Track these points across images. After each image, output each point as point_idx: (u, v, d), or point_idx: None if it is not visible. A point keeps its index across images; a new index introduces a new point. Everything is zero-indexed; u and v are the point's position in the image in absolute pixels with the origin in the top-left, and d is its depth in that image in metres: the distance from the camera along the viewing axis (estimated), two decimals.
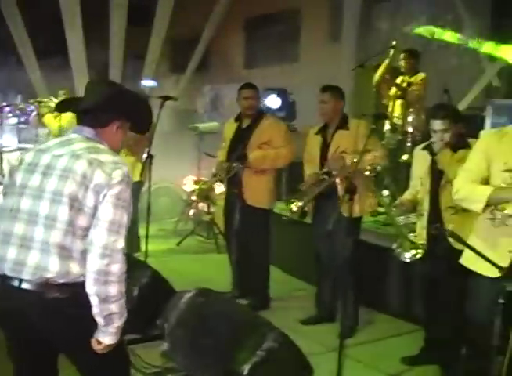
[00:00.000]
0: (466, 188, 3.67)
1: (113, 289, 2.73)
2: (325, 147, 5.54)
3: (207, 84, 15.00)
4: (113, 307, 2.75)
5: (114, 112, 2.98)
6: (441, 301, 4.58)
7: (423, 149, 4.76)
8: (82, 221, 2.75)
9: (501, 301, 2.78)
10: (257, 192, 5.98)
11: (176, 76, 15.16)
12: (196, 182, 6.06)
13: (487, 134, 3.80)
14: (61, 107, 3.53)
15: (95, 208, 2.74)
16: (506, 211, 3.52)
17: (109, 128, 2.97)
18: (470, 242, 3.68)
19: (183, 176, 10.29)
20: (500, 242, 3.52)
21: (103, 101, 2.93)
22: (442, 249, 4.34)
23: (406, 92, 7.25)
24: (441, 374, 4.67)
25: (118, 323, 2.79)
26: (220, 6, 13.61)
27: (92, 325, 2.79)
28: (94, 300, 2.73)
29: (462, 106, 9.11)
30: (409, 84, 7.30)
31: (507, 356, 2.97)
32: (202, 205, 9.32)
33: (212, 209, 8.94)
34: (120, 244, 2.74)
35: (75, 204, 2.74)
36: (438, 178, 4.56)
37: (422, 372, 4.85)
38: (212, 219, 8.92)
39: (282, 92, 9.91)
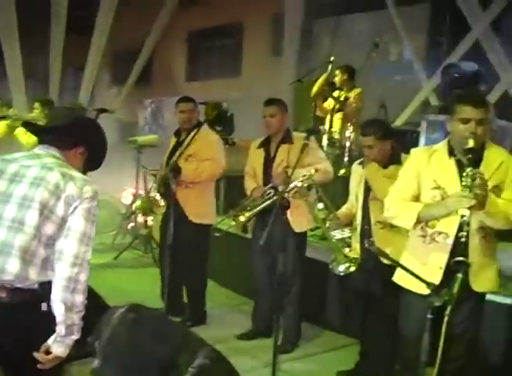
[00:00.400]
0: (397, 205, 3.70)
1: (79, 298, 2.82)
2: (268, 162, 5.50)
3: (149, 97, 14.90)
4: (76, 318, 2.83)
5: (78, 137, 3.07)
6: (375, 315, 4.60)
7: (359, 164, 4.81)
8: (49, 229, 2.81)
9: (429, 316, 2.79)
10: (199, 207, 5.92)
11: (117, 88, 15.04)
12: (135, 196, 5.96)
13: (417, 152, 3.84)
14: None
15: (63, 219, 2.83)
16: (436, 228, 3.56)
17: (73, 152, 3.05)
18: (403, 258, 3.74)
19: (122, 189, 10.16)
20: (431, 259, 3.55)
21: (70, 124, 3.04)
22: (375, 264, 4.35)
23: (345, 105, 7.32)
24: None
25: (76, 336, 2.87)
26: (162, 19, 13.59)
27: (38, 336, 2.81)
28: (60, 308, 2.78)
29: (400, 121, 9.28)
30: (346, 98, 7.37)
31: (435, 371, 3.00)
32: (140, 219, 9.22)
33: (150, 223, 8.84)
34: (89, 255, 2.86)
35: (45, 212, 2.80)
36: (369, 192, 4.61)
37: None
38: (150, 233, 8.82)
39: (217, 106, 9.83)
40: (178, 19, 13.74)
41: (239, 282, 7.01)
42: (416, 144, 6.09)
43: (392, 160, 4.56)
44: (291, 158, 5.20)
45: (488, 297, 4.47)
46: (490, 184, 3.42)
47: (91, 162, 3.21)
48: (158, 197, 6.45)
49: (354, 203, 4.82)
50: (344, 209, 4.89)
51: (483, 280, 3.61)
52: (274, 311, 5.51)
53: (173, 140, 6.16)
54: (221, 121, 9.64)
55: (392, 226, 4.25)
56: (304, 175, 4.81)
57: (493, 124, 5.67)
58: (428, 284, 2.83)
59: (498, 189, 3.50)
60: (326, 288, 6.09)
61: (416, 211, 3.52)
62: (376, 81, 9.82)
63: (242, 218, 5.18)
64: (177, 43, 15.79)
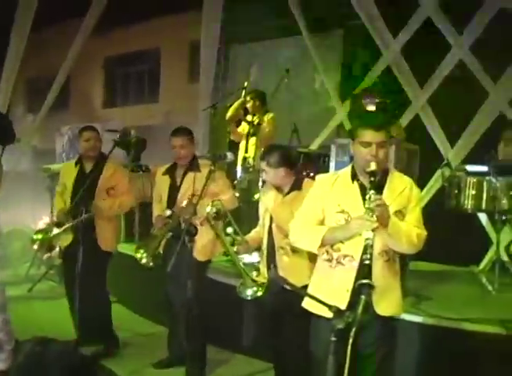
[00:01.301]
0: (302, 230, 3.76)
1: None
2: (174, 189, 5.50)
3: (67, 124, 14.67)
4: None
5: None
6: (285, 339, 4.60)
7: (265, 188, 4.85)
8: None
9: (333, 338, 2.81)
10: (107, 236, 5.88)
11: (32, 115, 14.75)
12: (36, 232, 5.63)
13: (321, 178, 3.92)
14: None
15: None
16: (341, 252, 3.62)
17: None
18: (311, 283, 3.81)
19: (38, 218, 9.95)
20: (338, 282, 3.61)
21: None
22: (282, 288, 4.36)
23: (258, 130, 7.38)
24: None
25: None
26: (77, 44, 13.40)
27: None
28: None
29: (315, 145, 9.41)
30: (259, 123, 7.45)
31: None
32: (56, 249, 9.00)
33: None
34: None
35: None
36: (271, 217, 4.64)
37: None
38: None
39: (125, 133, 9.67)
40: (95, 44, 13.60)
41: (155, 310, 6.92)
42: (328, 168, 6.19)
43: (294, 186, 4.61)
44: (197, 186, 5.19)
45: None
46: (393, 208, 3.52)
47: None
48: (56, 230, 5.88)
49: (260, 226, 4.86)
50: (253, 233, 4.91)
51: (387, 304, 3.68)
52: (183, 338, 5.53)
53: (73, 170, 5.99)
54: (128, 147, 9.47)
55: (294, 251, 4.32)
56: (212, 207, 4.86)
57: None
58: (330, 307, 2.85)
59: (401, 214, 3.60)
60: (239, 312, 6.07)
61: (321, 235, 3.58)
62: (291, 106, 9.95)
63: (143, 260, 5.14)
64: (93, 69, 15.67)
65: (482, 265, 7.42)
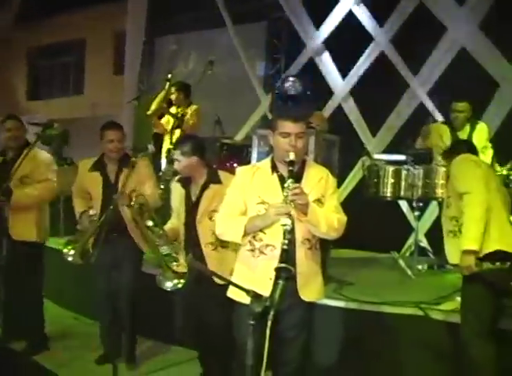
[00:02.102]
0: (225, 221, 3.84)
1: None
2: (108, 187, 5.32)
3: None
4: None
5: None
6: (211, 327, 4.68)
7: (178, 181, 4.88)
8: None
9: (251, 322, 2.90)
10: (24, 225, 5.63)
11: None
12: None
13: (241, 170, 3.99)
14: None
15: None
16: (264, 242, 3.71)
17: None
18: (235, 272, 3.88)
19: None
20: (261, 271, 3.69)
21: None
22: (202, 278, 4.42)
23: (182, 122, 7.42)
24: None
25: None
26: None
27: None
28: None
29: (240, 136, 9.52)
30: (183, 114, 7.48)
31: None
32: None
33: None
34: None
35: None
36: (192, 210, 4.70)
37: None
38: None
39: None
40: (17, 35, 13.36)
41: (85, 304, 6.86)
42: (250, 159, 6.28)
43: (211, 179, 4.69)
44: (132, 184, 5.16)
45: (322, 301, 4.74)
46: (312, 197, 3.64)
47: None
48: None
49: (177, 219, 4.88)
50: (169, 225, 4.92)
51: (309, 290, 3.79)
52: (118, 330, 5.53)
53: None
54: (50, 141, 9.35)
55: (223, 247, 4.45)
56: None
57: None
58: (248, 292, 2.94)
59: (319, 202, 3.72)
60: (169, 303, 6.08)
61: (243, 225, 3.67)
62: (215, 98, 10.01)
63: (69, 258, 5.06)
64: (16, 60, 15.34)
65: (402, 250, 7.68)
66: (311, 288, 3.80)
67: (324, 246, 4.36)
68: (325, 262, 5.15)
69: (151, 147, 5.23)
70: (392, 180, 6.47)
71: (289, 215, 3.42)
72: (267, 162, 3.86)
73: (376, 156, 7.14)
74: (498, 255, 4.15)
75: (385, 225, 7.97)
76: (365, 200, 6.85)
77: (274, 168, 3.78)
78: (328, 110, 9.19)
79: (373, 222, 7.93)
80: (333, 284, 5.76)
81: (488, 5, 8.09)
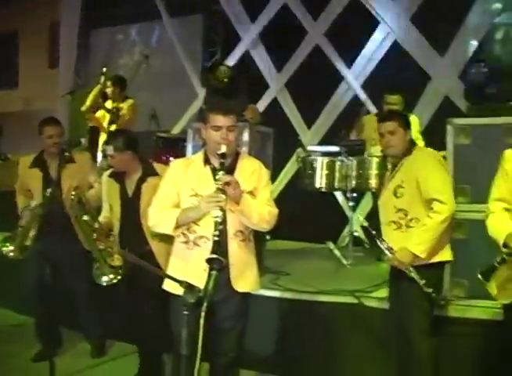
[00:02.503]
0: (158, 213, 3.87)
1: None
2: (48, 183, 5.26)
3: None
4: None
5: None
6: (147, 321, 4.70)
7: (110, 176, 4.87)
8: None
9: (185, 312, 2.93)
10: None
11: None
12: None
13: (175, 163, 4.03)
14: None
15: None
16: (197, 234, 3.75)
17: None
18: (170, 264, 3.90)
19: None
20: (195, 263, 3.71)
21: None
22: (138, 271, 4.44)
23: (118, 117, 7.39)
24: None
25: None
26: None
27: None
28: None
29: (177, 129, 9.51)
30: (118, 109, 7.45)
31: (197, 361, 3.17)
32: None
33: None
34: None
35: None
36: (130, 205, 4.71)
37: None
38: None
39: None
40: None
41: (18, 300, 6.76)
42: (185, 152, 6.31)
43: (147, 171, 4.72)
44: (75, 180, 5.17)
45: (258, 291, 4.81)
46: (244, 189, 3.69)
47: None
48: None
49: (109, 213, 4.87)
50: (102, 218, 4.92)
51: (244, 281, 3.85)
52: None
53: None
54: None
55: (162, 237, 4.43)
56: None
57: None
58: (181, 283, 2.97)
59: (252, 195, 3.77)
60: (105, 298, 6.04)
61: (175, 216, 3.71)
62: (152, 91, 9.97)
63: (10, 254, 5.05)
64: None
65: (339, 241, 7.80)
66: (245, 279, 3.85)
67: (259, 237, 4.43)
68: (260, 254, 5.22)
69: (84, 141, 5.20)
70: (326, 171, 6.54)
71: (220, 207, 3.46)
72: (200, 155, 3.90)
73: (310, 147, 7.23)
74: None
75: (322, 217, 8.09)
76: (302, 191, 6.91)
77: (207, 161, 3.82)
78: (263, 102, 9.27)
79: (309, 214, 8.05)
80: (270, 275, 5.84)
81: None
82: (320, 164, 6.56)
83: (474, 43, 7.95)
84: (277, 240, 7.83)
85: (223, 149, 3.62)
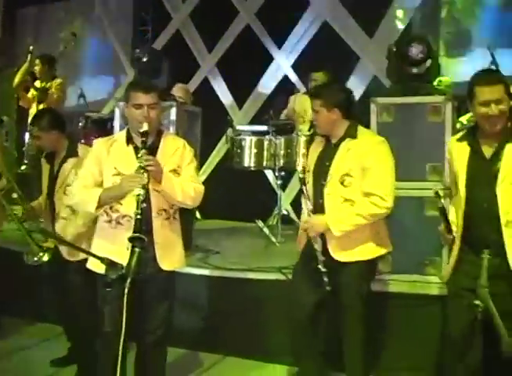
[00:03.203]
0: (80, 192, 3.85)
1: None
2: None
3: None
4: None
5: None
6: (71, 301, 4.68)
7: (44, 157, 4.83)
8: None
9: (107, 289, 2.95)
10: None
11: None
12: None
13: (98, 142, 4.00)
14: None
15: None
16: (120, 212, 3.75)
17: None
18: (94, 243, 3.87)
19: None
20: (118, 241, 3.69)
21: None
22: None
23: (46, 96, 7.29)
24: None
25: None
26: None
27: None
28: None
29: (106, 110, 9.42)
30: (47, 88, 7.36)
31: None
32: None
33: None
34: None
35: None
36: (51, 185, 4.68)
37: (69, 373, 4.84)
38: None
39: None
40: None
41: None
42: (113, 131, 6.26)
43: (69, 153, 4.66)
44: None
45: (188, 270, 4.86)
46: (168, 168, 3.72)
47: None
48: None
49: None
50: (36, 202, 4.90)
51: (169, 259, 3.86)
52: None
53: None
54: None
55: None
56: None
57: None
58: (102, 260, 2.97)
59: (176, 173, 3.80)
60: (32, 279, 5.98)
61: (97, 195, 3.69)
62: (82, 71, 9.85)
63: None
64: None
65: (269, 219, 7.88)
66: (170, 258, 3.87)
67: (187, 216, 4.46)
68: (190, 232, 5.26)
69: (7, 119, 5.11)
70: (255, 150, 6.59)
71: (142, 185, 3.47)
72: (122, 134, 3.89)
73: (239, 127, 7.25)
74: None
75: (252, 196, 8.16)
76: (232, 171, 6.94)
77: (129, 140, 3.81)
78: (194, 82, 9.27)
79: (240, 193, 8.10)
80: (200, 254, 5.88)
81: None
82: (249, 142, 6.61)
83: (401, 26, 8.13)
84: (208, 219, 7.87)
85: (145, 127, 3.62)
